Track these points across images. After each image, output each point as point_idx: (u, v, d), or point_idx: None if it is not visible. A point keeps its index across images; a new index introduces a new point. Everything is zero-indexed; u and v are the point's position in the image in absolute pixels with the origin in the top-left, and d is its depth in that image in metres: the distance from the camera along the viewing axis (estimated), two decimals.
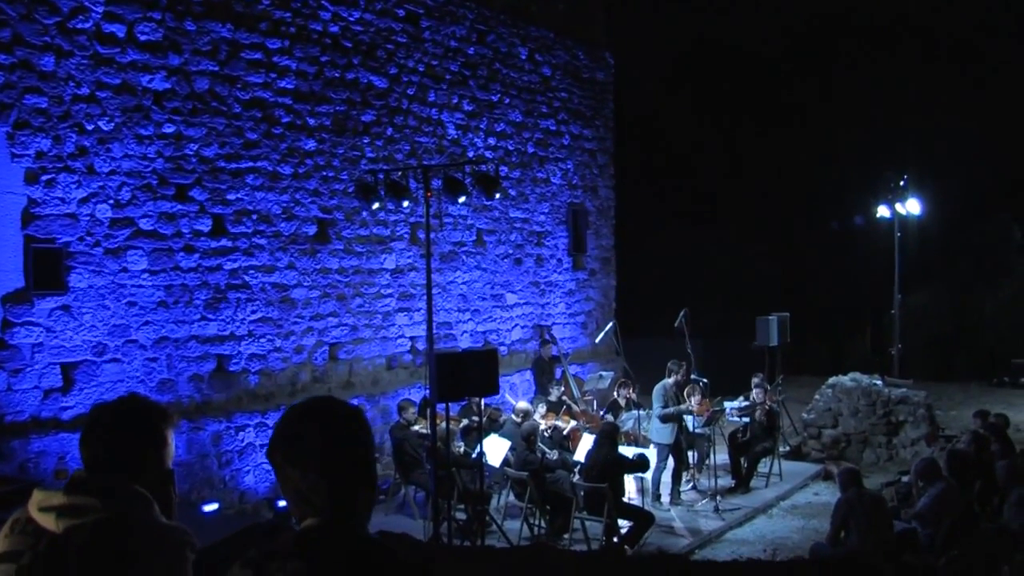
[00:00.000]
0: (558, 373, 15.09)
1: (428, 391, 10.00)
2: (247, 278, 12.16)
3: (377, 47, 14.17)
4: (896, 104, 25.79)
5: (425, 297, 10.72)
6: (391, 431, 12.08)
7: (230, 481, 11.64)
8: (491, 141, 16.49)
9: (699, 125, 27.38)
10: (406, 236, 14.71)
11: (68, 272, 10.18)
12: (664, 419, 12.26)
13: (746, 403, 13.87)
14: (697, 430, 12.94)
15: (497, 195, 11.88)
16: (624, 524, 10.45)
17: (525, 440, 11.08)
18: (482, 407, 10.93)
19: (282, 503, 10.16)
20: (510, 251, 16.98)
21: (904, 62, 26.52)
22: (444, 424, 10.21)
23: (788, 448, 15.13)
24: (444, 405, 9.97)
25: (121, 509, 2.59)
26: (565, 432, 12.59)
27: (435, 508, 10.07)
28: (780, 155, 26.25)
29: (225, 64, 11.86)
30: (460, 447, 11.80)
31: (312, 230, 13.11)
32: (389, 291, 14.38)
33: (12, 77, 9.67)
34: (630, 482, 11.77)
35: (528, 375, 16.42)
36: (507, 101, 16.93)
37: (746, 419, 13.62)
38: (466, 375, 9.34)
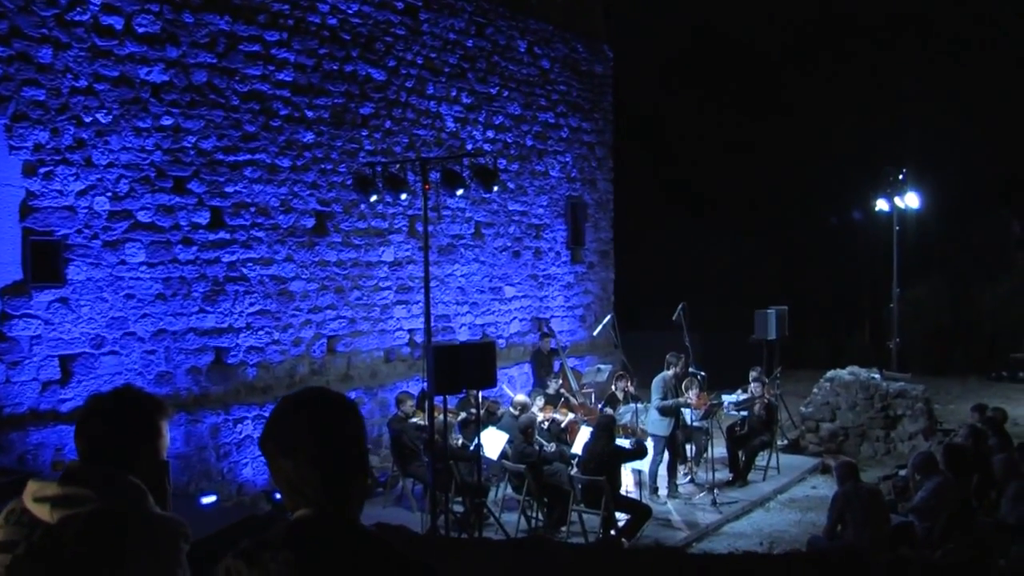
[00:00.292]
0: (556, 366, 15.10)
1: (426, 384, 10.02)
2: (245, 271, 12.16)
3: (375, 39, 14.14)
4: (895, 98, 25.77)
5: (423, 290, 10.71)
6: (389, 423, 12.09)
7: (228, 473, 11.64)
8: (490, 134, 16.47)
9: (698, 118, 27.35)
10: (404, 229, 14.70)
11: (66, 265, 10.18)
12: (663, 411, 12.27)
13: (744, 397, 13.87)
14: (695, 423, 12.95)
15: (495, 188, 11.88)
16: (621, 517, 10.46)
17: (523, 433, 11.08)
18: (479, 400, 10.93)
19: (280, 495, 10.18)
20: (508, 244, 16.98)
21: (903, 56, 26.50)
22: (442, 417, 10.22)
23: (786, 441, 15.15)
24: (442, 398, 9.98)
25: (115, 500, 2.59)
26: (563, 425, 12.60)
27: (433, 500, 10.08)
28: (779, 148, 26.22)
29: (223, 56, 11.84)
30: (458, 440, 11.81)
31: (310, 223, 13.10)
32: (387, 284, 14.38)
33: (10, 69, 9.66)
34: (627, 475, 11.79)
35: (526, 368, 16.42)
36: (506, 94, 16.91)
37: (744, 412, 13.63)
38: (464, 368, 9.36)
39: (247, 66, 12.15)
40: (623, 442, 11.07)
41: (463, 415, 12.20)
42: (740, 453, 13.26)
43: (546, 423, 12.38)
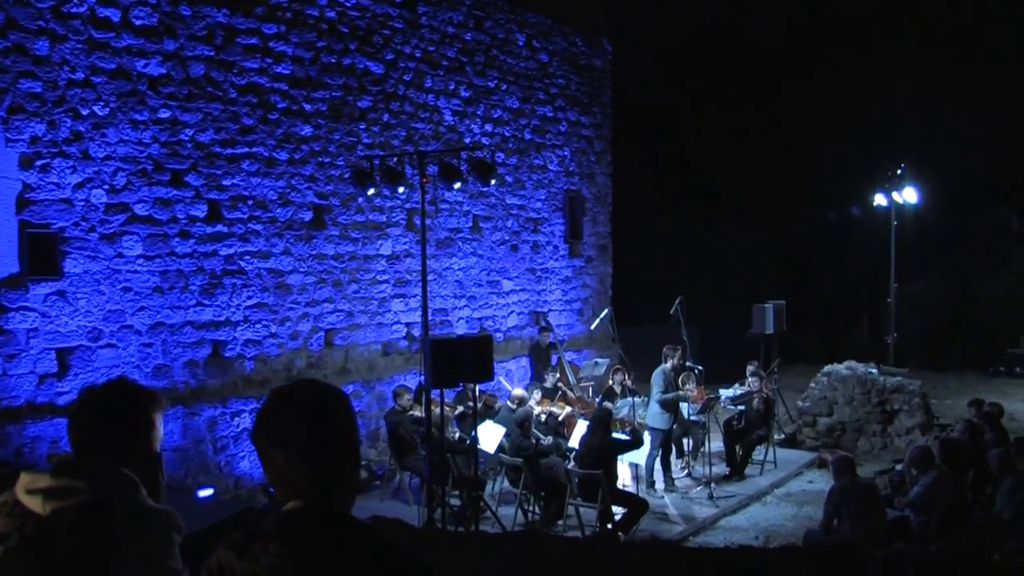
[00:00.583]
0: (554, 360, 15.11)
1: (423, 377, 10.02)
2: (243, 264, 12.15)
3: (373, 32, 14.12)
4: (894, 93, 25.76)
5: (421, 283, 10.71)
6: (386, 416, 12.10)
7: (225, 466, 11.65)
8: (488, 127, 16.46)
9: (697, 113, 27.35)
10: (402, 222, 14.70)
11: (63, 257, 10.17)
12: (664, 405, 12.28)
13: (741, 391, 13.88)
14: (692, 417, 12.96)
15: (493, 181, 11.89)
16: (618, 510, 10.47)
17: (519, 426, 11.10)
18: (476, 393, 10.94)
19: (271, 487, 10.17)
20: (506, 237, 16.97)
21: (902, 50, 26.48)
22: (439, 410, 10.23)
23: (783, 436, 15.17)
24: (439, 391, 9.99)
25: (108, 492, 2.59)
26: (560, 418, 12.61)
27: (429, 494, 10.09)
28: (778, 143, 26.22)
29: (221, 49, 11.82)
30: (455, 433, 11.82)
31: (308, 216, 13.09)
32: (385, 277, 14.38)
33: (6, 61, 9.64)
34: (624, 468, 11.81)
35: (524, 361, 16.44)
36: (504, 87, 16.89)
37: (741, 407, 13.64)
38: (461, 361, 9.36)
39: (245, 59, 12.13)
40: (619, 436, 11.08)
41: (460, 409, 12.21)
42: (737, 447, 13.28)
43: (543, 416, 12.39)
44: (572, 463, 10.90)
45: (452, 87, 15.67)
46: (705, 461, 12.61)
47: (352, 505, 2.26)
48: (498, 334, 16.47)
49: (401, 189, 11.82)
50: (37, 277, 9.90)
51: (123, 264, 10.75)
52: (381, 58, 14.26)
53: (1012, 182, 25.40)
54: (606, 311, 16.81)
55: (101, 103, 10.47)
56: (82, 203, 10.34)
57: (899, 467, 11.13)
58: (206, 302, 11.70)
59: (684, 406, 12.71)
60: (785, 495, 12.71)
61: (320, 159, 13.22)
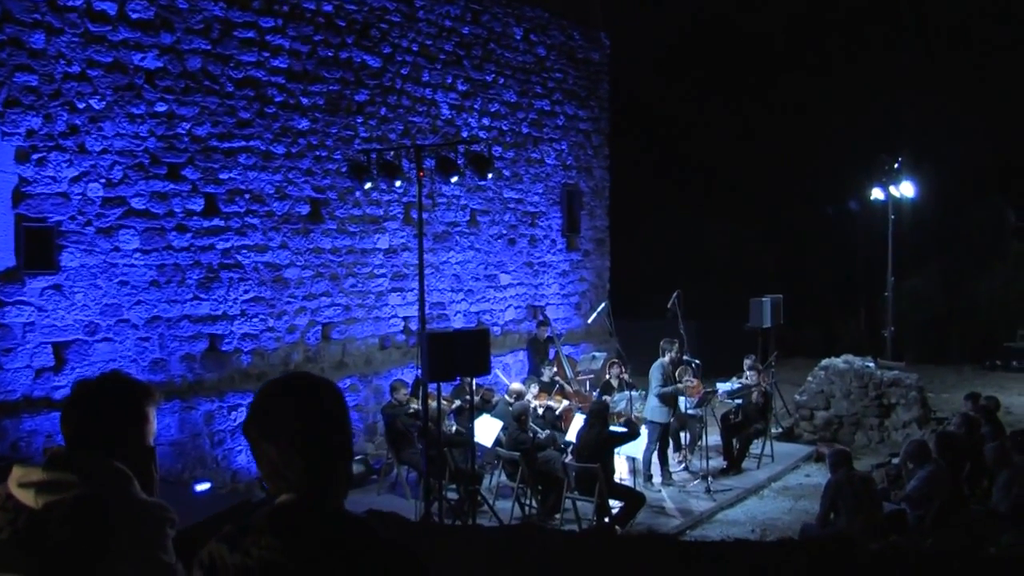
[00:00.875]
0: (551, 354, 15.12)
1: (420, 371, 10.02)
2: (240, 258, 12.15)
3: (371, 26, 14.11)
4: (892, 86, 25.74)
5: (418, 277, 10.71)
6: (383, 410, 12.11)
7: (222, 460, 11.65)
8: (485, 121, 16.44)
9: (695, 107, 27.32)
10: (399, 216, 14.69)
11: (59, 251, 10.17)
12: (663, 398, 12.30)
13: (739, 385, 13.89)
14: (690, 411, 12.97)
15: (490, 175, 11.88)
16: (615, 504, 10.48)
17: (516, 420, 11.11)
18: (473, 387, 10.94)
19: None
20: (504, 231, 16.97)
21: (900, 44, 26.47)
22: (436, 404, 10.23)
23: (780, 430, 15.18)
24: (436, 385, 9.99)
25: (100, 486, 2.59)
26: (558, 412, 12.62)
27: (426, 488, 10.10)
28: (776, 137, 26.20)
29: (218, 43, 11.81)
30: (452, 427, 11.83)
31: (305, 210, 13.09)
32: (382, 271, 14.38)
33: (2, 55, 9.63)
34: (621, 462, 11.82)
35: (521, 355, 16.46)
36: (501, 81, 16.88)
37: (738, 400, 13.65)
38: (458, 355, 9.37)
39: (242, 52, 12.12)
40: (616, 429, 11.09)
41: (457, 402, 12.22)
42: (734, 441, 13.29)
43: (540, 410, 12.40)
44: (569, 457, 10.91)
45: (449, 81, 15.66)
46: (702, 455, 12.62)
47: (345, 498, 2.26)
48: (495, 328, 16.47)
49: (398, 183, 11.80)
50: (33, 271, 9.90)
51: (120, 258, 10.75)
52: (378, 52, 14.24)
53: (1009, 176, 25.39)
54: (603, 305, 16.83)
55: (98, 97, 10.46)
56: (79, 197, 10.33)
57: (896, 461, 11.14)
58: (203, 296, 11.70)
59: (682, 400, 12.72)
60: (782, 489, 12.72)
61: (317, 153, 13.21)
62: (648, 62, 26.49)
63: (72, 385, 2.88)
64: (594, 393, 13.79)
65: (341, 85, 13.59)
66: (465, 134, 15.71)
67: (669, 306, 14.49)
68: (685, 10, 27.52)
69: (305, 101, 13.01)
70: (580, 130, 19.12)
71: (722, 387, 14.01)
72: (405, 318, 14.76)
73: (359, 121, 13.89)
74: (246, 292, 12.23)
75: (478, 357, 9.54)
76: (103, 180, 10.56)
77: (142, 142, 10.94)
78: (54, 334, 10.14)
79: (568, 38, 18.80)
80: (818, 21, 27.62)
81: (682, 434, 13.41)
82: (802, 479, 13.16)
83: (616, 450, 10.99)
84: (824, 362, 15.59)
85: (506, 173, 16.96)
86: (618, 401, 12.89)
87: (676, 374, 12.76)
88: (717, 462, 13.16)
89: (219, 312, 11.90)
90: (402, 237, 14.69)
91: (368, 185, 11.81)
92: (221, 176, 11.89)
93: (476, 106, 16.24)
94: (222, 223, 11.92)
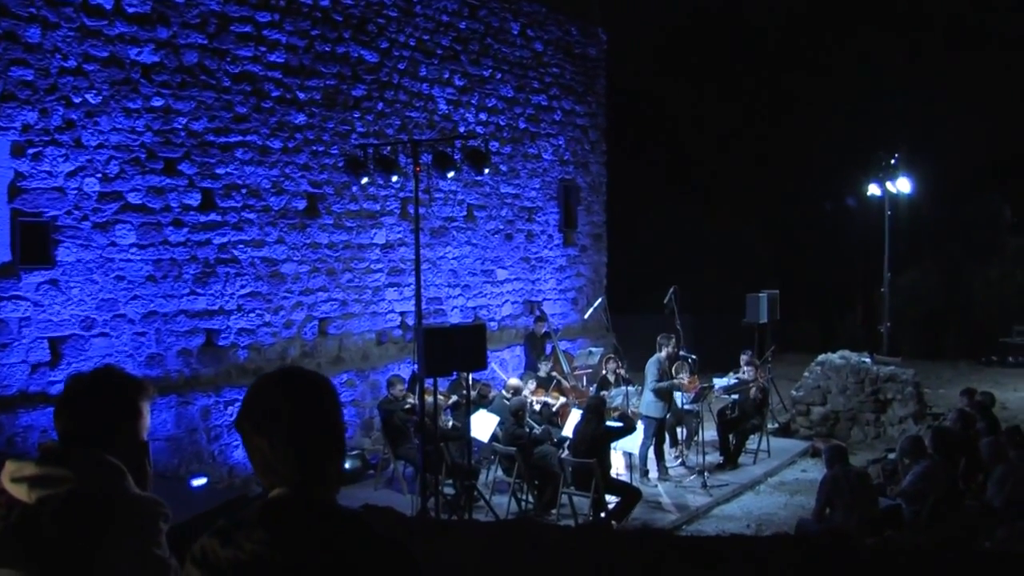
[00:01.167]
0: (548, 349, 15.13)
1: (417, 366, 10.03)
2: (236, 252, 12.14)
3: (368, 21, 14.09)
4: (888, 82, 25.73)
5: (415, 272, 10.71)
6: (380, 405, 12.12)
7: (219, 456, 11.66)
8: (482, 116, 16.44)
9: (692, 102, 27.31)
10: (396, 211, 14.69)
11: (56, 246, 10.15)
12: (658, 393, 12.31)
13: (735, 381, 13.90)
14: (686, 406, 12.99)
15: (487, 170, 11.87)
16: (612, 499, 10.50)
17: (513, 415, 11.12)
18: (470, 382, 10.96)
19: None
20: (501, 227, 16.97)
21: (896, 40, 26.46)
22: (432, 399, 10.24)
23: (777, 425, 15.21)
24: (432, 380, 9.99)
25: (94, 480, 2.59)
26: (555, 409, 12.62)
27: (423, 483, 10.11)
28: (773, 133, 26.20)
29: (214, 37, 11.79)
30: (449, 422, 11.84)
31: (302, 204, 13.08)
32: (379, 266, 14.38)
33: None
34: (618, 457, 11.83)
35: (518, 350, 16.47)
36: (498, 76, 16.86)
37: (735, 396, 13.67)
38: (454, 350, 9.38)
39: (238, 47, 12.10)
40: (612, 424, 11.10)
41: (454, 398, 12.23)
42: (731, 436, 13.30)
43: (538, 406, 12.41)
44: (566, 452, 10.92)
45: (446, 76, 15.65)
46: (699, 450, 12.63)
47: (337, 492, 2.27)
48: (492, 323, 16.49)
49: (395, 178, 11.80)
50: (29, 266, 9.88)
51: (116, 253, 10.73)
52: (375, 47, 14.23)
53: (1005, 172, 25.40)
54: (599, 300, 16.85)
55: (94, 91, 10.44)
56: (75, 192, 10.32)
57: (892, 456, 11.16)
58: (200, 291, 11.69)
59: (678, 395, 12.73)
60: (778, 484, 12.75)
61: (314, 148, 13.20)
62: (645, 57, 26.47)
63: (66, 380, 2.88)
64: (591, 388, 13.80)
65: (338, 80, 13.58)
66: (462, 129, 15.71)
67: (666, 301, 14.50)
68: (682, 5, 27.50)
69: (302, 96, 13.00)
70: (577, 125, 19.11)
71: (718, 382, 14.01)
72: (402, 313, 14.76)
73: (356, 116, 13.88)
74: (243, 287, 12.23)
75: (475, 352, 9.55)
76: (99, 175, 10.55)
77: (138, 137, 10.93)
78: (50, 329, 10.13)
79: (565, 33, 18.79)
80: (815, 17, 27.60)
81: (679, 429, 13.42)
82: (798, 474, 13.19)
83: (613, 445, 11.00)
84: (820, 357, 15.62)
85: (503, 168, 16.96)
86: (614, 396, 12.91)
87: (673, 369, 12.77)
88: (713, 457, 13.17)
89: (216, 307, 11.89)
90: (399, 232, 14.68)
91: (365, 180, 11.80)
92: (218, 171, 11.88)
93: (473, 101, 16.24)
94: (219, 218, 11.91)
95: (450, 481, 11.13)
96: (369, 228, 14.19)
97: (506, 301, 17.15)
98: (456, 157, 11.34)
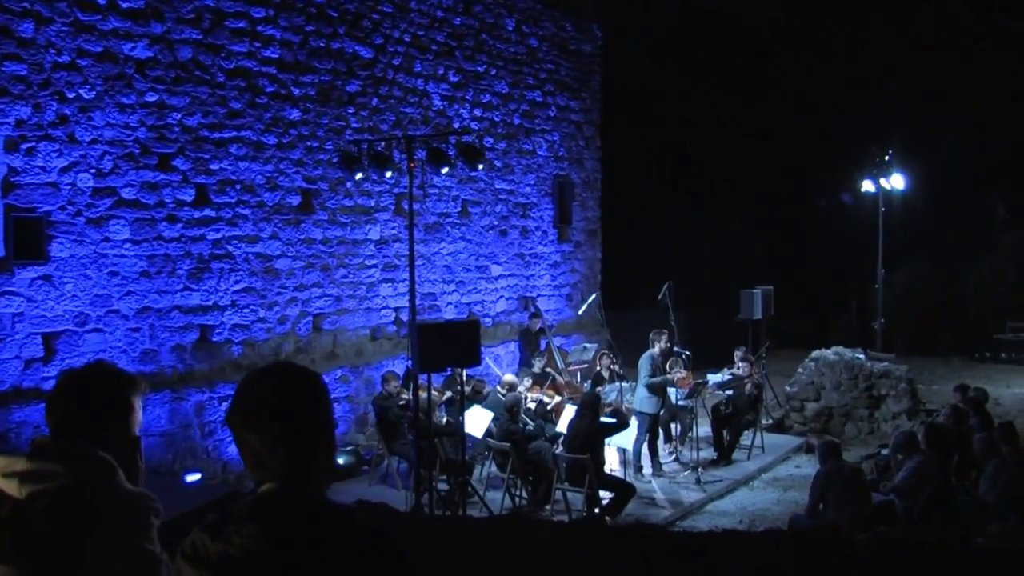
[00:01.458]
0: (543, 345, 15.14)
1: (411, 362, 10.03)
2: (230, 248, 12.13)
3: (362, 17, 14.08)
4: (883, 79, 25.76)
5: (409, 268, 10.71)
6: (374, 401, 12.12)
7: (213, 451, 11.65)
8: (477, 112, 16.43)
9: (687, 98, 27.31)
10: (391, 207, 14.68)
11: (49, 241, 10.14)
12: (651, 389, 12.32)
13: (729, 377, 13.92)
14: (680, 402, 13.00)
15: (481, 166, 11.87)
16: (606, 495, 10.50)
17: (508, 411, 11.12)
18: (464, 378, 10.96)
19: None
20: (495, 223, 16.97)
21: (890, 37, 26.49)
22: (426, 394, 10.24)
23: (771, 421, 15.22)
24: (426, 375, 10.00)
25: (85, 475, 2.59)
26: (549, 407, 12.62)
27: (417, 479, 10.11)
28: (769, 129, 26.21)
29: (209, 33, 11.77)
30: (443, 418, 11.84)
31: (296, 200, 13.07)
32: (373, 262, 14.37)
33: None
34: (612, 453, 11.84)
35: (513, 346, 16.47)
36: (493, 72, 16.86)
37: (729, 391, 13.68)
38: (448, 346, 9.37)
39: (233, 42, 12.08)
40: (606, 419, 11.11)
41: (448, 394, 12.23)
42: (724, 432, 13.32)
43: (532, 404, 12.41)
44: (560, 448, 10.93)
45: (441, 72, 15.64)
46: (693, 446, 12.64)
47: (328, 487, 2.28)
48: (487, 319, 16.50)
49: (389, 174, 11.78)
50: (23, 261, 9.87)
51: (110, 248, 10.72)
52: (370, 42, 14.21)
53: (999, 169, 25.44)
54: (593, 296, 16.85)
55: (87, 86, 10.43)
56: (68, 187, 10.31)
57: (885, 452, 11.19)
58: (194, 287, 11.68)
59: (672, 391, 12.74)
60: (772, 480, 12.76)
61: (308, 143, 13.19)
62: (640, 53, 26.47)
63: (58, 375, 2.88)
64: (585, 384, 13.81)
65: (332, 75, 13.57)
66: (457, 125, 15.71)
67: (660, 297, 14.51)
68: (677, 3, 27.50)
69: (296, 91, 12.98)
70: (572, 121, 19.12)
71: (712, 378, 14.02)
72: (396, 309, 14.76)
73: (350, 112, 13.87)
74: (237, 283, 12.22)
75: (468, 348, 9.55)
76: (93, 170, 10.53)
77: (132, 132, 10.91)
78: (44, 325, 10.12)
79: (560, 29, 18.78)
80: (809, 13, 27.62)
81: (673, 425, 13.43)
82: (792, 470, 13.20)
83: (607, 441, 11.01)
84: (814, 354, 15.63)
85: (498, 164, 16.96)
86: (609, 392, 12.91)
87: (667, 365, 12.77)
88: (707, 453, 13.18)
89: (210, 303, 11.89)
90: (393, 228, 14.68)
91: (359, 176, 11.79)
92: (212, 166, 11.87)
93: (468, 97, 16.23)
94: (213, 213, 11.90)
95: (444, 477, 11.13)
96: (363, 224, 14.18)
97: (500, 297, 17.16)
98: (450, 153, 11.34)
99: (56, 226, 10.20)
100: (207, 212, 11.83)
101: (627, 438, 11.84)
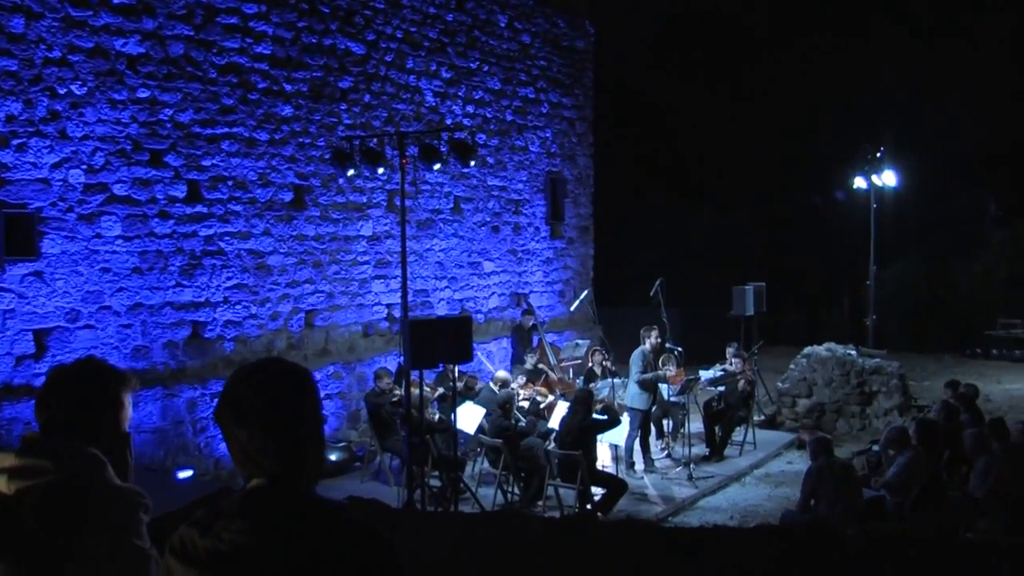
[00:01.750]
0: (535, 341, 15.15)
1: (403, 358, 10.03)
2: (222, 244, 12.12)
3: (355, 13, 14.06)
4: (874, 76, 25.82)
5: (401, 264, 10.70)
6: (366, 398, 12.11)
7: (205, 448, 11.64)
8: (469, 109, 16.42)
9: (680, 95, 27.34)
10: (383, 203, 14.67)
11: (41, 238, 10.12)
12: (642, 385, 12.33)
13: (720, 373, 13.94)
14: (672, 398, 13.01)
15: (473, 162, 11.86)
16: (598, 491, 10.52)
17: (501, 408, 11.13)
18: (456, 374, 10.96)
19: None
20: (488, 219, 16.97)
21: (883, 34, 26.53)
22: (418, 391, 10.25)
23: (763, 417, 15.25)
24: (418, 372, 10.00)
25: (74, 471, 2.59)
26: (543, 406, 12.62)
27: (409, 475, 10.12)
28: (760, 125, 26.25)
29: (201, 29, 11.75)
30: (435, 414, 11.84)
31: (288, 196, 13.06)
32: (366, 258, 14.36)
33: None
34: (604, 449, 11.86)
35: (505, 342, 16.47)
36: (486, 69, 16.85)
37: (721, 388, 13.70)
38: (440, 342, 9.37)
39: (225, 39, 12.06)
40: (597, 416, 11.12)
41: (441, 390, 12.24)
42: (717, 428, 13.34)
43: (525, 403, 12.41)
44: (552, 444, 10.94)
45: (434, 68, 15.62)
46: (685, 442, 12.66)
47: (317, 483, 2.28)
48: (479, 315, 16.50)
49: (382, 170, 11.78)
50: (14, 258, 9.85)
51: (102, 245, 10.70)
52: (362, 39, 14.20)
53: (990, 165, 25.52)
54: (585, 292, 16.87)
55: (79, 82, 10.40)
56: (60, 183, 10.28)
57: (876, 448, 11.22)
58: (186, 283, 11.67)
59: (664, 387, 12.75)
60: (764, 476, 12.79)
61: (301, 140, 13.18)
62: (634, 51, 26.50)
63: (48, 371, 2.88)
64: (577, 381, 13.82)
65: (325, 72, 13.55)
66: (449, 121, 15.69)
67: (652, 294, 14.53)
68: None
69: (288, 88, 12.97)
70: (564, 118, 19.11)
71: (704, 374, 14.05)
72: (388, 305, 14.76)
73: (343, 108, 13.85)
74: (229, 279, 12.21)
75: (460, 344, 9.55)
76: (85, 166, 10.51)
77: (124, 128, 10.89)
78: (35, 321, 10.10)
79: (553, 26, 18.78)
80: (802, 10, 27.65)
81: (665, 421, 13.46)
82: (784, 466, 13.23)
83: (599, 437, 11.03)
84: (806, 350, 15.67)
85: (490, 161, 16.95)
86: (601, 388, 12.93)
87: (660, 362, 12.79)
88: (700, 449, 13.21)
89: (202, 299, 11.87)
90: (385, 224, 14.67)
91: (351, 172, 11.78)
92: (204, 163, 11.85)
93: (460, 93, 16.22)
94: (205, 210, 11.89)
95: (436, 473, 11.14)
96: (356, 220, 14.17)
97: (493, 293, 17.16)
98: (443, 149, 11.34)
99: (47, 222, 10.18)
100: (199, 208, 11.81)
101: (619, 434, 11.85)
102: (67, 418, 2.70)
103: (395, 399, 11.66)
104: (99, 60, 10.61)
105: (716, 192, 26.38)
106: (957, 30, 26.30)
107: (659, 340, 12.97)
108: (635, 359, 12.49)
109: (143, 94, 11.07)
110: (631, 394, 12.46)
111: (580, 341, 15.90)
